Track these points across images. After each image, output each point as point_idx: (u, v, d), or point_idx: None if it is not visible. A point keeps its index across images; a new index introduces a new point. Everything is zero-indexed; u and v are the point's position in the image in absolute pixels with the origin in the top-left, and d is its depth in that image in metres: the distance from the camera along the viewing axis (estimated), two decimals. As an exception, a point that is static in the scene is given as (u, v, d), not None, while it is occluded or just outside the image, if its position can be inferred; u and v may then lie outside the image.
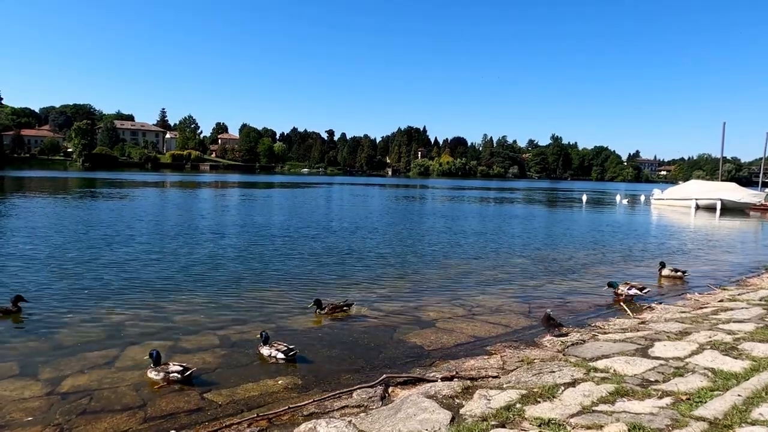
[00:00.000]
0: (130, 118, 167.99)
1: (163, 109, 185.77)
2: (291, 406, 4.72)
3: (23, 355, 6.16)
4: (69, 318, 7.52)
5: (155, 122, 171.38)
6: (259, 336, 6.41)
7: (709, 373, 4.83)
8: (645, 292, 9.56)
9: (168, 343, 6.64)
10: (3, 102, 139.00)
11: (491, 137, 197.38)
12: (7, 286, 9.32)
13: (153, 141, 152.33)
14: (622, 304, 8.98)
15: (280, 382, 5.54)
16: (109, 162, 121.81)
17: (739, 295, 9.51)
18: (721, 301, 9.02)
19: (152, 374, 5.49)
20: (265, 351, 6.21)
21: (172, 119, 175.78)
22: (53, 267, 11.05)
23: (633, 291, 9.40)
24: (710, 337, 6.16)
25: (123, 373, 5.66)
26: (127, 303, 8.44)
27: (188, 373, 5.42)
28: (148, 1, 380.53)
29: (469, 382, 5.09)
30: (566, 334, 7.08)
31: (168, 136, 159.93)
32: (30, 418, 4.62)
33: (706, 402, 4.05)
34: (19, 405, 4.86)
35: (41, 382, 5.39)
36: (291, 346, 6.18)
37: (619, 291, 9.44)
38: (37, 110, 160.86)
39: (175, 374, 5.40)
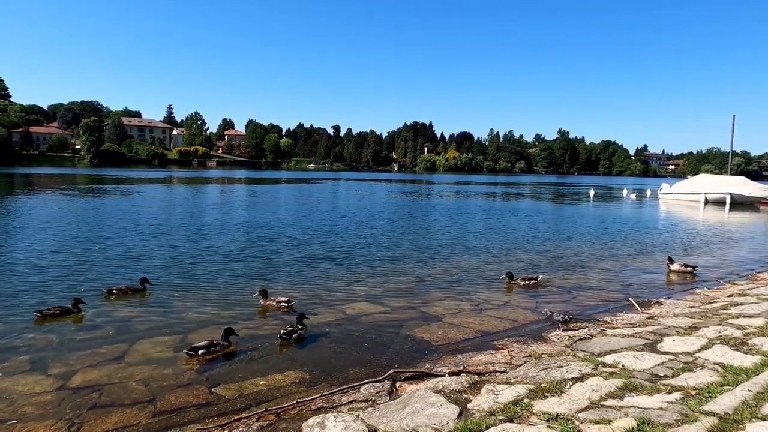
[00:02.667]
0: (137, 114, 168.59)
1: (170, 105, 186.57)
2: (299, 400, 4.73)
3: (34, 350, 6.22)
4: (78, 313, 7.57)
5: (162, 119, 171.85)
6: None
7: (719, 368, 4.80)
8: (538, 280, 10.03)
9: (177, 338, 6.69)
10: (12, 100, 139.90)
11: (497, 132, 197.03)
12: (12, 282, 9.41)
13: (160, 137, 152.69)
14: (630, 299, 8.93)
15: (288, 376, 5.56)
16: (117, 158, 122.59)
17: (748, 290, 9.44)
18: (730, 295, 8.95)
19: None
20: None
21: (179, 116, 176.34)
22: (59, 263, 11.13)
23: (532, 282, 9.96)
24: (720, 332, 6.12)
25: (133, 368, 5.70)
26: (135, 298, 8.50)
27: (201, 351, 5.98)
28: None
29: (476, 376, 5.09)
30: (574, 329, 7.05)
31: (175, 132, 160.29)
32: (41, 413, 4.67)
33: (715, 397, 4.02)
34: (30, 399, 4.92)
35: (52, 377, 5.45)
36: (287, 329, 6.66)
37: (521, 283, 9.89)
38: (45, 108, 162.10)
39: (203, 350, 5.99)
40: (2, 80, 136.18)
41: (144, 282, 8.93)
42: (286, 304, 8.07)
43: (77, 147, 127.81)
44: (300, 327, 6.76)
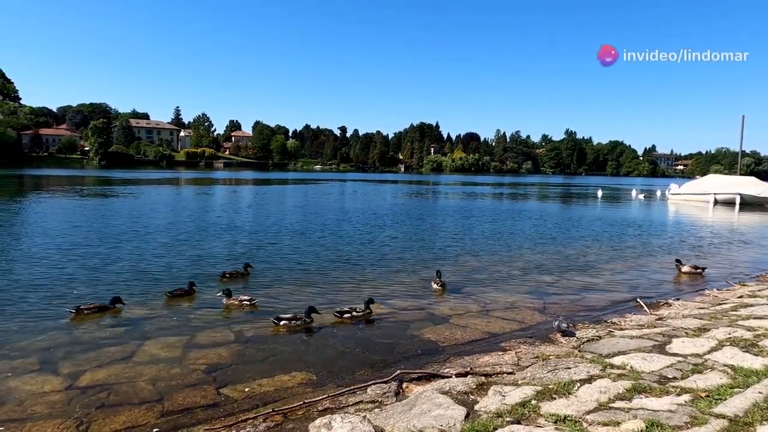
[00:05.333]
0: (145, 116, 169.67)
1: (178, 107, 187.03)
2: (306, 401, 4.73)
3: (43, 350, 6.26)
4: (86, 313, 7.62)
5: (170, 120, 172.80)
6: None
7: (729, 370, 4.75)
8: (444, 284, 9.70)
9: (184, 338, 6.72)
10: (21, 102, 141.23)
11: (504, 132, 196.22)
12: (14, 285, 9.50)
13: (168, 139, 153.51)
14: (638, 300, 8.86)
15: (294, 377, 5.57)
16: (125, 160, 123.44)
17: (759, 291, 9.34)
18: (740, 297, 8.86)
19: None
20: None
21: (187, 117, 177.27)
22: (69, 263, 11.22)
23: (441, 285, 9.57)
24: (729, 334, 6.06)
25: (141, 368, 5.73)
26: (142, 298, 8.55)
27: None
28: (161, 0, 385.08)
29: (483, 378, 5.07)
30: (581, 329, 7.00)
31: (182, 134, 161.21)
32: (50, 412, 4.71)
33: (725, 399, 3.98)
34: (39, 399, 4.96)
35: (61, 377, 5.49)
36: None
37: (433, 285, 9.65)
38: (54, 110, 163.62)
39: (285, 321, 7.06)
40: (12, 83, 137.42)
41: (247, 267, 10.38)
42: (248, 303, 8.23)
43: (86, 149, 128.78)
44: (359, 309, 7.69)
